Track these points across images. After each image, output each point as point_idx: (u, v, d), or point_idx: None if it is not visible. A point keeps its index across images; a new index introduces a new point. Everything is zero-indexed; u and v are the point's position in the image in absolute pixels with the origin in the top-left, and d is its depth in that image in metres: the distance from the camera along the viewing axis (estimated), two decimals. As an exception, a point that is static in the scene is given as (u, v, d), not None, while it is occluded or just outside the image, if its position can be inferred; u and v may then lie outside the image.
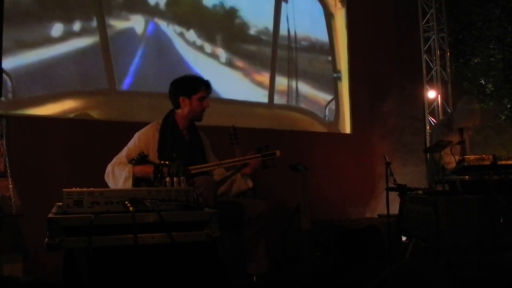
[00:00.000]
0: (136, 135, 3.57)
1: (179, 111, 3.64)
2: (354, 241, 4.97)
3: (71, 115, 4.77)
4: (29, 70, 4.56)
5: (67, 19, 4.79)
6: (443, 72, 7.76)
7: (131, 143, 3.53)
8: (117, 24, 5.12)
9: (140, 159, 3.29)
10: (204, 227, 2.20)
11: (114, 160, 3.45)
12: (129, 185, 3.25)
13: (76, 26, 4.84)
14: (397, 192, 4.70)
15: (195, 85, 3.62)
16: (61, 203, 2.17)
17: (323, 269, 4.34)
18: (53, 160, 4.55)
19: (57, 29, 4.73)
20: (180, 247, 2.17)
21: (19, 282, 3.92)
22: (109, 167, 3.41)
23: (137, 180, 3.30)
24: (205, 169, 3.44)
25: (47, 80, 4.65)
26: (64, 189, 2.15)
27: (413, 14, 7.86)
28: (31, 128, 4.53)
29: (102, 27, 4.99)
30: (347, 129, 7.12)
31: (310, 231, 4.06)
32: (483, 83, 7.92)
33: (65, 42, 4.76)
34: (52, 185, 3.85)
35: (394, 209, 4.94)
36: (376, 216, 6.62)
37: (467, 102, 5.16)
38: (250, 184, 3.74)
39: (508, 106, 7.83)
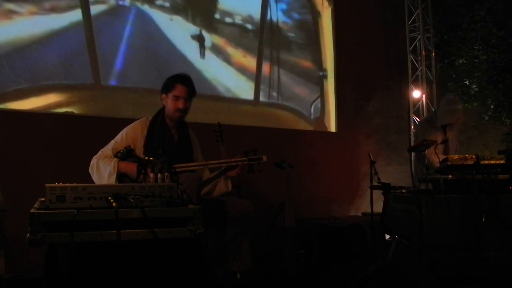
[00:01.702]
0: (124, 129, 3.55)
1: (166, 109, 3.62)
2: (338, 239, 4.99)
3: (55, 109, 4.74)
4: (12, 63, 4.51)
5: (51, 11, 4.74)
6: (428, 72, 7.81)
7: (118, 137, 3.51)
8: (103, 17, 5.09)
9: (126, 152, 3.26)
10: (188, 223, 2.19)
11: (99, 153, 3.42)
12: (113, 180, 3.22)
13: (61, 17, 4.80)
14: (381, 191, 4.72)
15: (171, 82, 3.55)
16: (43, 199, 2.15)
17: (307, 266, 4.35)
18: (37, 155, 4.52)
19: (40, 21, 4.68)
20: (163, 243, 2.16)
21: (1, 279, 3.89)
22: (94, 160, 3.38)
23: (121, 176, 3.28)
24: (190, 168, 3.41)
25: (30, 73, 4.60)
26: (46, 184, 2.12)
27: (399, 13, 7.91)
28: (15, 122, 4.50)
29: (87, 20, 4.95)
30: (332, 128, 7.14)
31: (294, 229, 4.07)
32: (468, 83, 7.99)
33: (49, 34, 4.72)
34: (35, 180, 3.81)
35: (378, 207, 4.97)
36: (360, 214, 6.65)
37: (449, 100, 5.19)
38: (230, 187, 3.72)
39: (492, 106, 7.90)
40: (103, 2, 5.10)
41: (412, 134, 7.71)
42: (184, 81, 3.55)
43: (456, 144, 5.30)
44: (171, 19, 5.58)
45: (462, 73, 8.11)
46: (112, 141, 3.49)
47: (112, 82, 5.12)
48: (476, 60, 7.93)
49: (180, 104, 3.53)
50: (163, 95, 3.58)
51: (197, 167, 3.47)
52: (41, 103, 4.66)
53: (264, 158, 3.62)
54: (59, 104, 4.76)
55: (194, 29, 5.77)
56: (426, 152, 4.63)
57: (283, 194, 4.14)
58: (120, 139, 3.48)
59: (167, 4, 5.57)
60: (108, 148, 3.44)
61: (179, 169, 3.22)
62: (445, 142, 4.91)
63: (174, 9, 5.62)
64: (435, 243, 3.76)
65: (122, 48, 5.18)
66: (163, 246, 2.16)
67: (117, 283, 2.12)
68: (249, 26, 6.32)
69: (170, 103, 3.55)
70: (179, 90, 3.52)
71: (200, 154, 3.80)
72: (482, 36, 7.83)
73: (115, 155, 3.34)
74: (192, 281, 2.26)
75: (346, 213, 6.92)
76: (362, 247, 5.04)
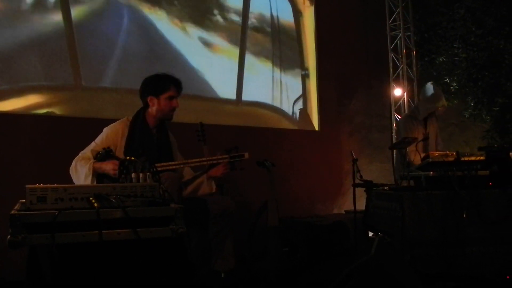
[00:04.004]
0: (105, 130, 3.53)
1: (149, 110, 3.60)
2: (321, 237, 5.01)
3: (35, 111, 4.69)
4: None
5: (30, 10, 4.69)
6: (409, 70, 7.87)
7: (98, 139, 3.49)
8: (83, 17, 5.05)
9: (105, 153, 3.24)
10: (170, 222, 2.19)
11: (79, 154, 3.40)
12: (89, 182, 3.21)
13: (40, 17, 4.74)
14: (364, 188, 4.75)
15: (164, 84, 3.57)
16: (24, 200, 2.13)
17: (290, 265, 4.36)
18: (17, 157, 4.47)
19: (18, 20, 4.62)
20: (146, 243, 2.15)
21: (-18, 282, 3.85)
22: (74, 162, 3.37)
23: (100, 177, 3.26)
24: (171, 167, 3.40)
25: (9, 74, 4.55)
26: (27, 185, 2.11)
27: (380, 12, 7.95)
28: (-6, 124, 4.45)
29: (68, 20, 4.90)
30: (315, 126, 7.17)
31: (277, 228, 4.08)
32: (448, 81, 8.07)
33: (27, 34, 4.66)
34: (16, 182, 3.78)
35: (361, 205, 5.00)
36: (343, 212, 6.68)
37: (428, 89, 5.17)
38: (213, 188, 3.72)
39: (472, 104, 8.00)
40: (83, 3, 5.05)
41: (394, 132, 7.77)
42: (176, 81, 3.62)
43: (437, 138, 5.29)
44: (151, 20, 5.55)
45: (442, 71, 8.19)
46: (92, 143, 3.47)
47: (93, 82, 5.08)
48: (456, 58, 8.02)
49: (175, 103, 3.59)
50: (151, 97, 3.56)
51: (178, 166, 3.47)
52: (21, 104, 4.60)
53: (246, 155, 3.63)
54: (39, 105, 4.72)
55: (175, 29, 5.75)
56: (408, 149, 4.67)
57: (265, 193, 4.14)
58: (100, 140, 3.47)
59: (146, 4, 5.54)
60: (88, 150, 3.42)
61: (161, 168, 3.22)
62: (426, 139, 4.94)
63: (154, 10, 5.59)
64: (417, 240, 3.80)
65: (103, 48, 5.14)
66: (145, 246, 2.16)
67: (100, 283, 2.11)
68: (230, 26, 6.32)
69: (164, 103, 3.56)
70: (173, 90, 3.58)
71: (178, 153, 3.80)
72: (461, 34, 7.92)
73: (94, 157, 3.33)
74: (175, 280, 2.25)
75: (329, 211, 6.95)
76: (345, 245, 5.07)
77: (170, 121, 3.69)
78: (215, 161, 3.59)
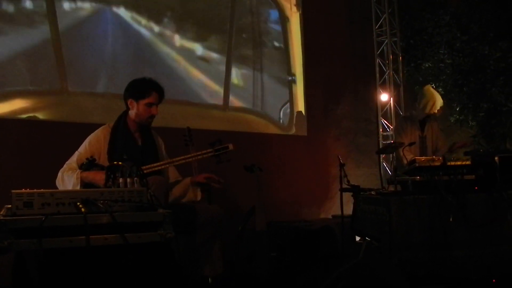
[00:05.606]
0: (87, 139, 3.50)
1: (130, 112, 3.58)
2: (308, 242, 5.02)
3: (21, 116, 4.66)
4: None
5: (15, 14, 4.66)
6: (395, 76, 7.92)
7: (82, 148, 3.46)
8: (69, 20, 5.02)
9: (88, 163, 3.21)
10: (158, 228, 2.18)
11: (64, 166, 3.37)
12: None
13: (25, 21, 4.71)
14: (351, 193, 4.76)
15: (145, 90, 3.49)
16: (10, 205, 2.11)
17: (278, 269, 4.36)
18: (3, 162, 4.43)
19: (4, 24, 4.60)
20: (134, 248, 2.15)
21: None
22: (59, 174, 3.34)
23: (87, 187, 3.23)
24: (157, 168, 3.38)
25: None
26: (13, 190, 2.09)
27: (366, 18, 8.00)
28: (-21, 129, 4.41)
29: (54, 24, 4.88)
30: (302, 131, 7.17)
31: (265, 232, 4.08)
32: (434, 87, 8.13)
33: (13, 38, 4.62)
34: (1, 187, 3.74)
35: (348, 209, 5.01)
36: (331, 217, 6.70)
37: (424, 91, 5.15)
38: (198, 197, 3.69)
39: (457, 109, 8.06)
40: (69, 9, 5.03)
41: (380, 136, 7.81)
42: (159, 88, 3.54)
43: (438, 141, 5.24)
44: (139, 24, 5.54)
45: (428, 76, 8.25)
46: (76, 152, 3.44)
47: (79, 87, 5.05)
48: (441, 64, 8.08)
49: (154, 111, 3.51)
50: (131, 100, 3.52)
51: (163, 166, 3.43)
52: (6, 109, 4.57)
53: (231, 146, 3.58)
54: (25, 110, 4.68)
55: (162, 33, 5.74)
56: (395, 153, 4.69)
57: (253, 198, 4.14)
58: (84, 149, 3.44)
59: (133, 9, 5.52)
60: (73, 160, 3.39)
61: (147, 171, 3.19)
62: (412, 144, 4.94)
63: (141, 15, 5.58)
64: (404, 243, 3.81)
65: (89, 52, 5.12)
66: (133, 251, 2.15)
67: (87, 289, 2.10)
68: (218, 31, 6.32)
69: (142, 109, 3.50)
70: (154, 97, 3.50)
71: (164, 153, 3.77)
72: (447, 40, 7.99)
73: (79, 167, 3.30)
74: (163, 285, 2.25)
75: (317, 216, 6.96)
76: (333, 249, 5.08)
77: (148, 126, 3.62)
78: (199, 157, 3.54)
